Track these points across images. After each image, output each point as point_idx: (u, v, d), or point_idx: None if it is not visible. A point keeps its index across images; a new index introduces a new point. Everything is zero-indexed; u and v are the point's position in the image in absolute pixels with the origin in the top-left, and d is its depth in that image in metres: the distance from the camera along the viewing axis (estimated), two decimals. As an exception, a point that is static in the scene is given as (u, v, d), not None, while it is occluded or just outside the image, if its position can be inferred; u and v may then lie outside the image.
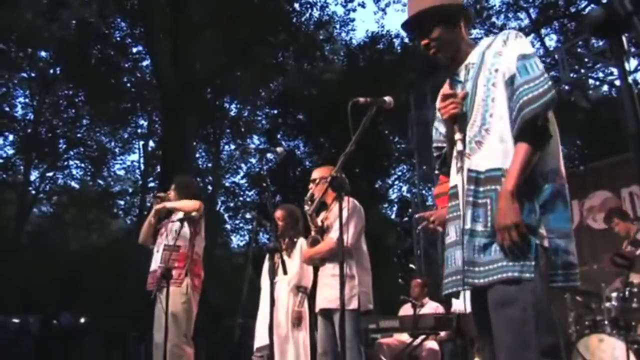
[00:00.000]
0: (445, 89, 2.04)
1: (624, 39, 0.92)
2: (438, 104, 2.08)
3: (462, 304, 2.81)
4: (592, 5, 15.59)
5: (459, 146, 1.96)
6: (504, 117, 1.87)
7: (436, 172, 2.51)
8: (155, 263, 4.31)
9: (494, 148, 1.87)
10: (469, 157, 1.92)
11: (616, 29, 0.92)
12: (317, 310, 3.83)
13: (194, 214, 4.18)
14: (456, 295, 1.97)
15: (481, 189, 1.86)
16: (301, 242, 4.30)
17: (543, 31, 18.37)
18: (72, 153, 22.54)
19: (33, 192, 22.27)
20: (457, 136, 1.97)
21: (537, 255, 1.74)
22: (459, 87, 2.04)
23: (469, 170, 1.91)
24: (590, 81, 17.70)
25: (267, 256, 4.20)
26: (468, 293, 1.96)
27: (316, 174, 3.96)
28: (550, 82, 1.82)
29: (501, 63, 1.91)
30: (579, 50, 12.82)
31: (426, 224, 3.05)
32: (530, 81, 1.82)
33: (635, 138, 0.87)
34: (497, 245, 1.79)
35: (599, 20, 0.93)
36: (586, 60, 14.29)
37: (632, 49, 7.92)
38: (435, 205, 3.20)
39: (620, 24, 0.90)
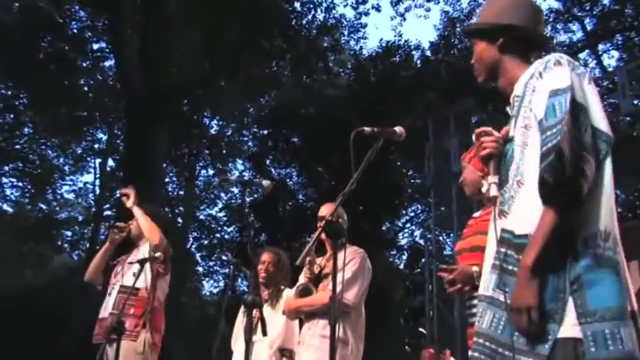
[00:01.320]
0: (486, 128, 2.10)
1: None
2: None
3: None
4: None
5: (492, 190, 2.00)
6: (536, 169, 1.82)
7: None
8: (106, 309, 4.30)
9: (525, 207, 1.87)
10: (505, 215, 1.94)
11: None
12: None
13: (157, 254, 4.19)
14: None
15: (513, 254, 1.86)
16: (287, 293, 4.30)
17: (601, 47, 18.08)
18: (7, 169, 22.23)
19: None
20: (491, 179, 2.02)
21: (554, 347, 1.72)
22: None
23: (503, 230, 1.93)
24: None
25: (242, 310, 4.17)
26: None
27: (324, 210, 4.01)
28: (565, 129, 1.75)
29: (534, 101, 1.91)
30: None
31: (444, 273, 3.00)
32: (553, 126, 1.80)
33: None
34: (512, 327, 1.80)
35: None
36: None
37: None
38: (455, 262, 3.20)
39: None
